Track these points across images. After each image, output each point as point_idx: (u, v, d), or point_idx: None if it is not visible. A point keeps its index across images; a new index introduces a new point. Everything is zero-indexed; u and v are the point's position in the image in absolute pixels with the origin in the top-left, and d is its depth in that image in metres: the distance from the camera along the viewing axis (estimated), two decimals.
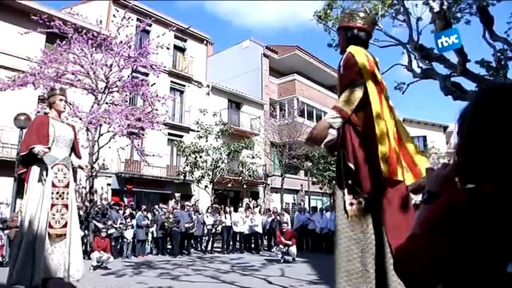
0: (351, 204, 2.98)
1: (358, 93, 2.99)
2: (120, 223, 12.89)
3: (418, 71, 10.62)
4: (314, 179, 24.92)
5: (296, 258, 12.05)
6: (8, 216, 11.53)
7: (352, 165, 3.00)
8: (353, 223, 2.92)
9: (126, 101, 14.17)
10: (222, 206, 17.44)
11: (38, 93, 13.37)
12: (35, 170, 4.75)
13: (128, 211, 13.95)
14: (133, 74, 15.79)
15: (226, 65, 31.19)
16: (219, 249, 15.34)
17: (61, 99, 5.17)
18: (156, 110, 13.54)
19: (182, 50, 26.31)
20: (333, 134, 3.35)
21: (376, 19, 3.15)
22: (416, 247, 0.98)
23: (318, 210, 17.54)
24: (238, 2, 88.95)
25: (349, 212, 2.96)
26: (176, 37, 24.48)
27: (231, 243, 15.69)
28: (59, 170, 4.83)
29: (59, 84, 12.24)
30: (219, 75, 29.27)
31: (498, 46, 10.03)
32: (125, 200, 20.50)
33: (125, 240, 13.05)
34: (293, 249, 12.06)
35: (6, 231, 11.15)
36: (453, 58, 9.49)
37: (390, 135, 2.96)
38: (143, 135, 13.87)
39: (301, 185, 27.47)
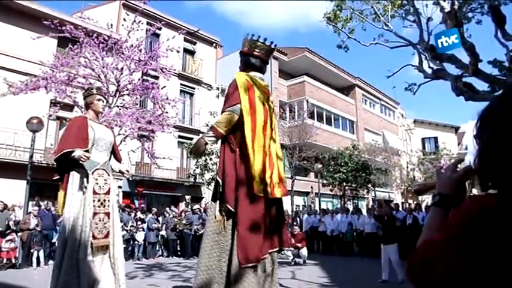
0: (220, 211, 3.45)
1: (233, 116, 3.45)
2: (131, 225, 12.97)
3: (429, 71, 10.54)
4: (324, 181, 24.84)
5: (307, 261, 12.01)
6: (21, 219, 11.64)
7: (219, 179, 3.49)
8: (218, 228, 3.41)
9: (137, 104, 14.24)
10: None
11: (50, 97, 13.49)
12: (74, 176, 4.36)
13: (138, 214, 14.02)
14: (144, 77, 15.89)
15: (236, 67, 30.72)
16: None
17: (99, 99, 4.76)
18: (167, 112, 13.58)
19: (192, 52, 26.41)
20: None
21: (272, 48, 3.77)
22: (435, 254, 0.92)
23: (329, 212, 17.45)
24: (247, 3, 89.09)
25: (217, 218, 3.43)
26: (186, 40, 24.57)
27: None
28: (99, 176, 4.43)
29: (70, 88, 12.40)
30: (229, 77, 29.01)
31: (511, 46, 9.93)
32: (136, 202, 20.60)
33: (136, 242, 13.12)
34: (304, 251, 12.03)
35: (19, 234, 11.27)
36: (465, 58, 9.41)
37: (257, 154, 3.42)
38: (153, 137, 13.91)
39: (312, 187, 27.38)
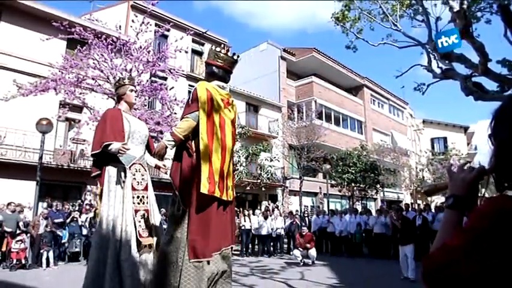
0: (178, 210, 3.70)
1: (192, 122, 3.68)
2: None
3: (438, 71, 10.46)
4: (333, 182, 24.77)
5: (316, 262, 11.98)
6: (31, 220, 11.73)
7: (171, 180, 3.77)
8: (175, 226, 3.66)
9: (145, 105, 14.31)
10: (241, 209, 17.44)
11: (59, 98, 13.59)
12: (110, 171, 4.09)
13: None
14: (152, 79, 15.94)
15: (244, 68, 31.21)
16: (237, 252, 15.34)
17: (132, 90, 4.51)
18: (175, 113, 13.63)
19: (200, 53, 26.47)
20: None
21: (235, 59, 4.15)
22: (455, 259, 0.90)
23: (337, 213, 17.39)
24: (255, 3, 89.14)
25: (176, 216, 3.69)
26: (194, 41, 24.63)
27: (250, 246, 15.69)
28: (136, 171, 4.18)
29: (79, 89, 12.49)
30: (237, 78, 29.27)
31: None
32: None
33: None
34: (312, 252, 12.00)
35: (29, 234, 11.36)
36: (474, 58, 9.34)
37: (214, 159, 3.67)
38: (162, 138, 13.98)
39: (320, 188, 27.32)
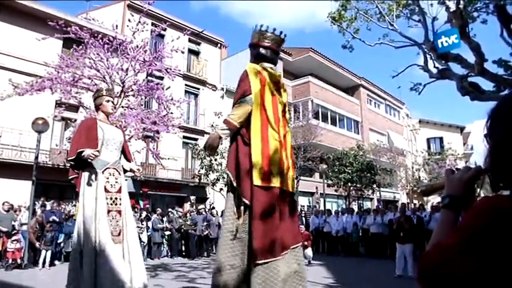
0: (238, 207, 3.34)
1: (247, 107, 3.37)
2: (136, 226, 12.96)
3: (434, 71, 10.49)
4: (329, 182, 24.79)
5: (312, 261, 11.98)
6: (26, 219, 11.67)
7: (230, 174, 3.40)
8: (238, 224, 3.29)
9: (142, 105, 14.27)
10: None
11: (55, 97, 13.54)
12: (85, 175, 4.46)
13: (143, 214, 14.04)
14: (149, 78, 15.89)
15: (241, 67, 30.99)
16: None
17: (108, 100, 4.82)
18: (171, 113, 13.60)
19: (196, 53, 26.45)
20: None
21: (283, 39, 3.77)
22: (449, 258, 0.90)
23: (334, 212, 17.41)
24: (252, 3, 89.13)
25: (237, 214, 3.33)
26: (190, 41, 24.60)
27: None
28: (110, 175, 4.57)
29: (75, 89, 12.45)
30: (233, 78, 29.07)
31: None
32: (141, 203, 20.62)
33: (141, 243, 13.14)
34: (309, 251, 12.00)
35: (25, 235, 11.32)
36: (470, 58, 9.36)
37: (271, 145, 3.35)
38: (158, 138, 13.92)
39: (316, 188, 27.34)
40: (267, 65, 3.62)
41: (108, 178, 4.53)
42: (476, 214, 0.92)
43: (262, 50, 3.67)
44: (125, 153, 4.95)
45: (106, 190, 4.46)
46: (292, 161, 3.64)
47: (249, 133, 3.37)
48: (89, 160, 4.30)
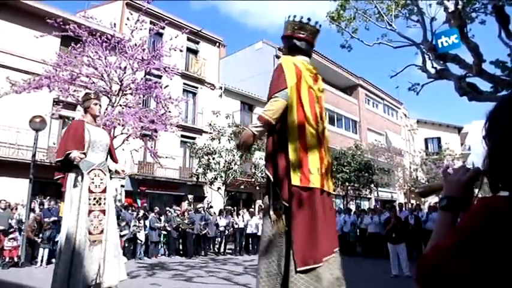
0: (274, 209, 3.11)
1: (282, 102, 3.13)
2: (134, 225, 12.97)
3: (433, 71, 10.50)
4: None
5: None
6: (24, 217, 11.64)
7: (268, 173, 3.18)
8: (274, 228, 3.07)
9: (140, 103, 14.23)
10: (235, 208, 17.43)
11: (53, 95, 13.51)
12: (71, 176, 4.69)
13: (141, 212, 14.03)
14: (147, 77, 15.87)
15: (239, 66, 31.23)
16: (230, 251, 15.34)
17: (96, 104, 5.06)
18: (169, 112, 13.57)
19: (195, 52, 26.42)
20: None
21: (318, 29, 3.49)
22: (446, 259, 0.89)
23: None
24: (252, 2, 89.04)
25: (272, 217, 3.10)
26: (189, 39, 24.58)
27: (243, 244, 15.70)
28: (95, 176, 4.78)
29: (73, 87, 12.42)
30: (232, 77, 29.33)
31: None
32: (138, 201, 20.62)
33: (138, 241, 13.13)
34: None
35: (22, 233, 11.29)
36: (468, 58, 9.38)
37: (310, 142, 3.11)
38: (156, 137, 13.90)
39: None
40: (301, 57, 3.43)
41: (93, 179, 4.74)
42: (473, 215, 0.92)
43: (297, 42, 3.43)
44: (111, 154, 5.16)
45: (90, 191, 4.68)
46: (329, 159, 3.39)
47: (285, 129, 3.15)
48: (75, 162, 4.50)
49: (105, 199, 4.81)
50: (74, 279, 4.32)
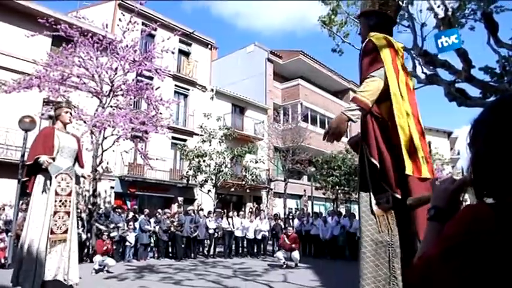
0: (378, 204, 2.76)
1: (380, 82, 2.78)
2: (121, 228, 12.88)
3: (422, 76, 10.60)
4: (317, 184, 24.87)
5: (299, 264, 12.00)
6: (11, 217, 11.53)
7: (376, 161, 2.75)
8: (380, 225, 2.72)
9: (131, 105, 14.19)
10: (225, 211, 17.41)
11: (43, 96, 13.42)
12: (39, 179, 5.02)
13: (130, 214, 13.95)
14: (138, 78, 15.85)
15: (231, 69, 31.26)
16: (221, 254, 15.30)
17: (66, 112, 5.42)
18: (160, 113, 13.55)
19: (187, 54, 26.41)
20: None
21: (400, 4, 2.96)
22: (433, 270, 0.89)
23: (321, 216, 17.46)
24: (244, 3, 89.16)
25: (376, 213, 2.75)
26: (181, 41, 24.54)
27: (233, 247, 15.67)
28: (62, 180, 5.12)
29: (64, 87, 12.35)
30: (223, 79, 29.35)
31: (503, 52, 10.01)
32: (128, 203, 20.52)
33: (128, 243, 13.05)
34: (296, 254, 12.01)
35: (10, 234, 11.17)
36: (457, 64, 9.48)
37: (412, 126, 2.76)
38: (147, 138, 13.86)
39: (305, 190, 27.42)
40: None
41: (60, 182, 5.09)
42: (456, 223, 0.92)
43: (378, 19, 3.10)
44: (78, 160, 5.54)
45: (57, 193, 5.03)
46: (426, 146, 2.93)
47: (384, 111, 2.81)
48: (44, 166, 4.86)
49: (70, 202, 5.17)
50: (36, 273, 4.69)
